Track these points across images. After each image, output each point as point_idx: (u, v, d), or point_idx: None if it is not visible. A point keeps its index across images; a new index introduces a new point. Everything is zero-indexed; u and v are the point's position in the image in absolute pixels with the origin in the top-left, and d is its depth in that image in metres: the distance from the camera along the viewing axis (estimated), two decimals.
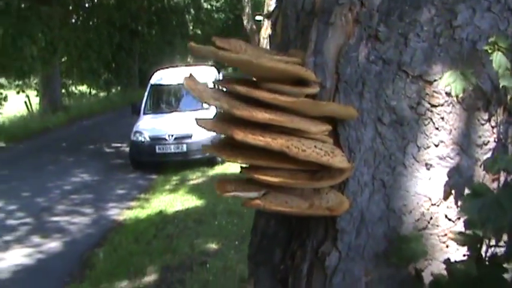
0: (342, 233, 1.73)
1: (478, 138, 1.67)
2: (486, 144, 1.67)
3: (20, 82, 24.33)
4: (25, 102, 25.14)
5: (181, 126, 13.46)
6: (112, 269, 6.97)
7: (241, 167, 1.69)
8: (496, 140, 1.65)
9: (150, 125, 14.09)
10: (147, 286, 6.46)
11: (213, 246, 7.74)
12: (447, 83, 1.54)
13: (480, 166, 1.67)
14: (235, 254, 7.12)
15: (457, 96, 1.59)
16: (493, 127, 1.64)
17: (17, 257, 7.54)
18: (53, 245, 8.07)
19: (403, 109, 1.69)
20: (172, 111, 14.77)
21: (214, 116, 1.72)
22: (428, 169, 1.69)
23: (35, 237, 8.44)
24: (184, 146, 13.48)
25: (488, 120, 1.65)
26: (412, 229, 1.72)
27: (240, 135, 1.53)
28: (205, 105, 14.64)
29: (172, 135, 13.56)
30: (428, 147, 1.69)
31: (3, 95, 21.88)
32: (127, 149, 14.62)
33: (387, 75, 1.69)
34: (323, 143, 1.60)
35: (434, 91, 1.66)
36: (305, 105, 1.58)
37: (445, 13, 1.65)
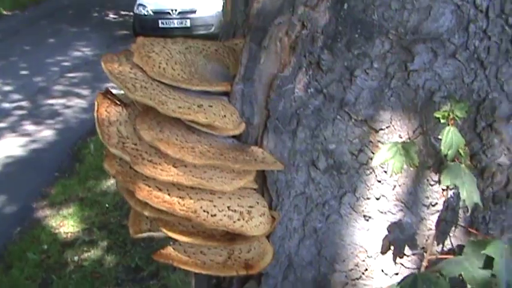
0: (266, 277, 1.58)
1: (425, 198, 1.43)
2: (434, 206, 1.43)
3: None
4: None
5: (186, 0, 13.00)
6: (101, 163, 6.91)
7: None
8: (446, 203, 1.41)
9: None
10: None
11: None
12: (384, 159, 1.27)
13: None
14: None
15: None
16: (443, 189, 1.39)
17: (9, 147, 7.51)
18: (46, 133, 8.01)
19: (342, 154, 1.44)
20: None
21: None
22: (366, 220, 1.49)
23: (28, 123, 8.36)
24: (188, 21, 13.15)
25: (439, 181, 1.39)
26: (344, 278, 1.56)
27: (142, 193, 1.32)
28: None
29: (175, 10, 13.12)
30: (368, 198, 1.46)
31: None
32: None
33: (327, 113, 1.42)
34: (240, 199, 1.38)
35: (379, 141, 1.40)
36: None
37: (400, 51, 1.33)
